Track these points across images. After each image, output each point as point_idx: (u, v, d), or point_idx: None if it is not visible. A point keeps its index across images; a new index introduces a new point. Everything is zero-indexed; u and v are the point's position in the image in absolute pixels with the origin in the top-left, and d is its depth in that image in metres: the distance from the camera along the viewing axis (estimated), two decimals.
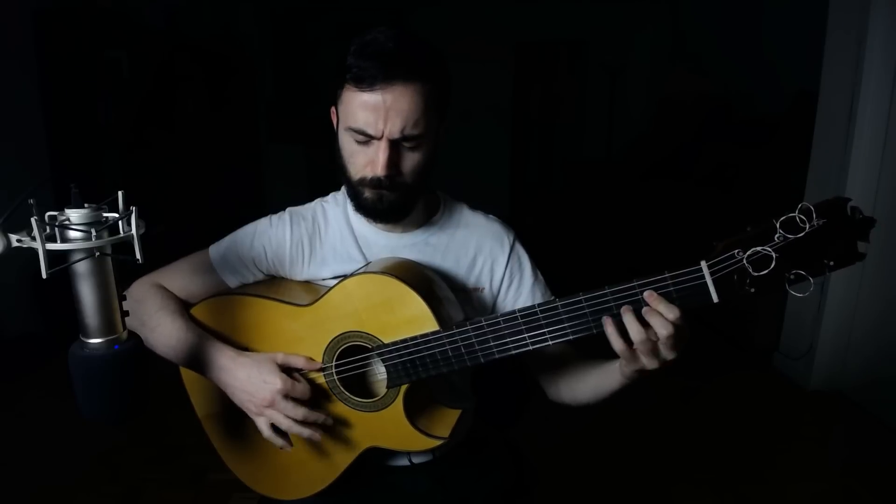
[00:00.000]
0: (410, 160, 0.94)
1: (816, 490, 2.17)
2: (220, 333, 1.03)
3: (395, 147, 0.91)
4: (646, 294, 0.78)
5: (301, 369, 0.98)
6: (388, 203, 0.96)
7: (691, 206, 3.90)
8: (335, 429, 1.00)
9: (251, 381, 0.95)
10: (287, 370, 0.97)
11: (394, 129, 0.89)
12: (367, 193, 0.95)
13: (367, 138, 0.91)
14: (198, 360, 0.99)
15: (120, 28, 3.77)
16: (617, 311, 0.80)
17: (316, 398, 0.99)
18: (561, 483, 2.13)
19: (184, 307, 1.04)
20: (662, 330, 0.78)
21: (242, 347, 1.02)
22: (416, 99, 0.89)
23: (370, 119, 0.89)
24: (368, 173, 0.94)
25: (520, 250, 1.10)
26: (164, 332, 0.99)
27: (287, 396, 0.94)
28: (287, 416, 0.95)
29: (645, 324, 0.79)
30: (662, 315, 0.78)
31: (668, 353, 0.81)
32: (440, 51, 0.96)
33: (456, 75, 0.98)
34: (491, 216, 1.12)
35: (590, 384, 0.99)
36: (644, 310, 0.79)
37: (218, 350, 0.98)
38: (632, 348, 0.81)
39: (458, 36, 4.76)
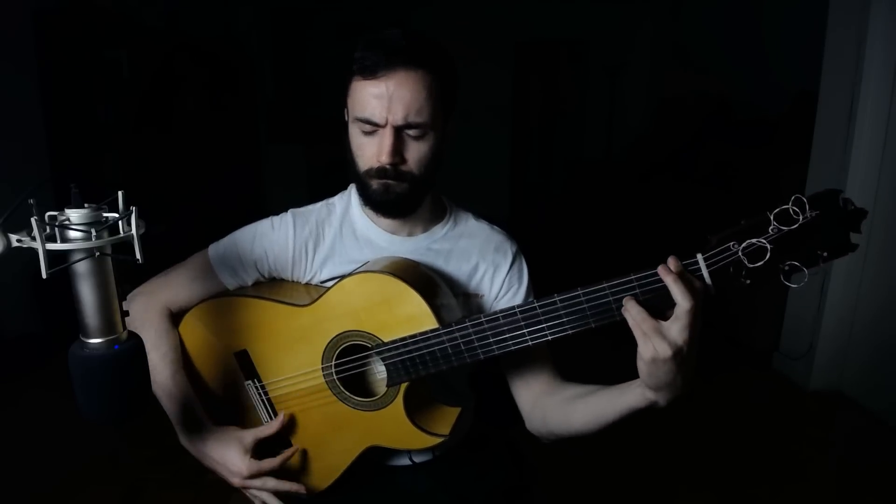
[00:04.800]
0: (415, 150, 0.94)
1: (816, 490, 2.17)
2: (220, 335, 1.03)
3: (400, 135, 0.92)
4: (669, 260, 0.77)
5: (269, 434, 1.00)
6: (394, 194, 0.96)
7: (691, 206, 3.89)
8: (335, 429, 1.00)
9: (219, 464, 0.98)
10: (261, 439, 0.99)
11: (397, 115, 0.90)
12: (375, 185, 0.96)
13: (373, 127, 0.92)
14: (174, 418, 1.00)
15: (120, 28, 3.77)
16: (619, 306, 0.79)
17: (316, 398, 1.00)
18: (561, 483, 2.13)
19: (176, 351, 1.02)
20: (685, 303, 0.74)
21: (242, 349, 1.02)
22: (419, 86, 0.90)
23: (375, 107, 0.91)
24: (375, 163, 0.94)
25: (521, 262, 1.10)
26: (153, 372, 0.98)
27: (254, 476, 0.97)
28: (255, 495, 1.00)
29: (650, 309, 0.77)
30: (689, 284, 0.75)
31: (682, 332, 0.75)
32: (446, 49, 0.96)
33: None
34: (496, 226, 1.12)
35: (591, 406, 0.95)
36: (668, 279, 0.75)
37: (194, 423, 0.99)
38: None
39: (457, 36, 4.74)
